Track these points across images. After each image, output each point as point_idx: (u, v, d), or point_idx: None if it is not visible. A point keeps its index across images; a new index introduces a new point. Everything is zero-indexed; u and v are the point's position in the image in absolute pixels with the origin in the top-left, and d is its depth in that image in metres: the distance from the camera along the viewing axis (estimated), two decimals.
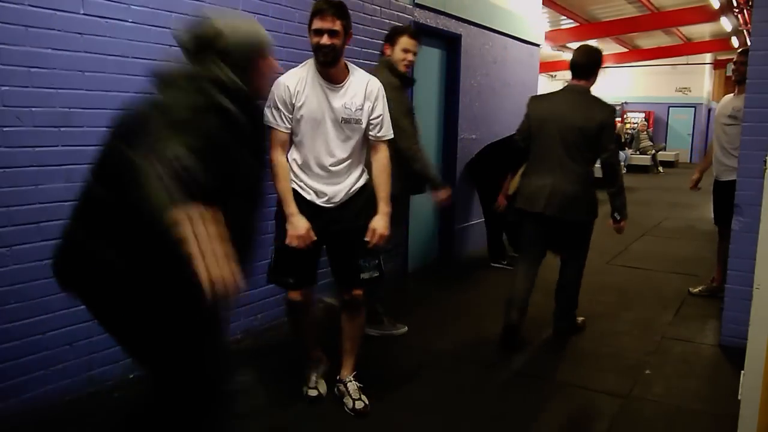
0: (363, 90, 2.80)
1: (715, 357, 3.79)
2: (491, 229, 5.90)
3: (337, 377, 3.10)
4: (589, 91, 3.73)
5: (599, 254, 6.44)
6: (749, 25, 7.49)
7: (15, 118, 2.60)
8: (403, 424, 2.91)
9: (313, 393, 3.05)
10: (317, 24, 2.65)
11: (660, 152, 18.16)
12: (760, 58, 3.62)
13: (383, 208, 2.84)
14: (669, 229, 8.25)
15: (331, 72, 2.73)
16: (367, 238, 2.81)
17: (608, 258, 6.34)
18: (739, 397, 2.37)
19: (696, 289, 5.07)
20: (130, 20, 2.99)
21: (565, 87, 3.87)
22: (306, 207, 2.78)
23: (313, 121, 2.73)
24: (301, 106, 2.71)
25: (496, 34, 6.35)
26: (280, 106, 2.71)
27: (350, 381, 3.05)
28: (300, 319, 3.05)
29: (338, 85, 2.75)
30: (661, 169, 17.34)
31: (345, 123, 2.76)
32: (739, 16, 13.09)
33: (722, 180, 4.51)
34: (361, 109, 2.78)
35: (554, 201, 3.61)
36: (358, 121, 2.78)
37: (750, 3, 10.65)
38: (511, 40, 6.68)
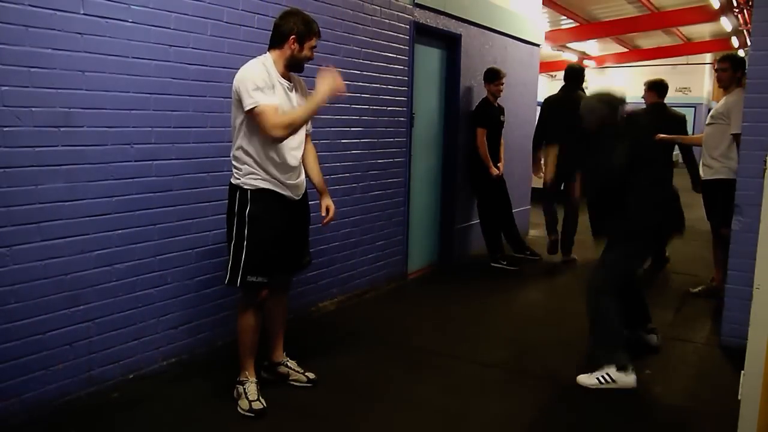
0: (303, 88, 3.03)
1: (715, 357, 3.79)
2: (487, 229, 5.91)
3: (273, 362, 3.22)
4: (665, 105, 5.73)
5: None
6: (749, 25, 7.49)
7: (15, 118, 2.59)
8: (402, 425, 2.91)
9: (258, 406, 2.90)
10: (314, 42, 2.93)
11: None
12: (760, 58, 3.62)
13: (326, 189, 3.18)
14: None
15: (290, 73, 2.94)
16: (323, 214, 3.11)
17: None
18: (739, 397, 2.37)
19: (696, 289, 5.07)
20: (130, 20, 2.99)
21: (649, 105, 5.73)
22: (281, 204, 2.90)
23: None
24: (275, 98, 2.79)
25: (496, 34, 6.35)
26: (266, 86, 2.74)
27: (288, 360, 3.25)
28: (258, 323, 3.00)
29: (291, 84, 2.93)
30: None
31: None
32: (739, 16, 13.09)
33: (705, 179, 4.73)
34: None
35: None
36: None
37: (750, 3, 10.65)
38: (511, 40, 6.68)
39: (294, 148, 2.92)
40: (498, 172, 5.82)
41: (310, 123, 3.06)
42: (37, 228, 2.72)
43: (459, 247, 6.04)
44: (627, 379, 3.25)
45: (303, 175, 3.03)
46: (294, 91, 2.92)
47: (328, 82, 2.82)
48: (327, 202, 3.14)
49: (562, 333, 4.13)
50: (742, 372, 2.36)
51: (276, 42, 2.87)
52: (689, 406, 3.14)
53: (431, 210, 5.80)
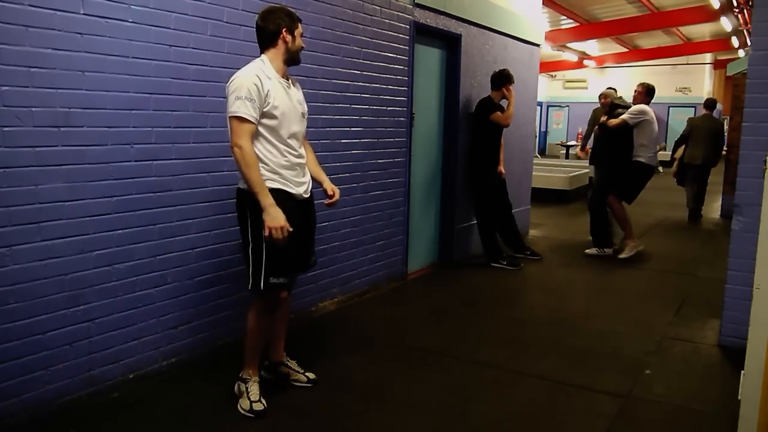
0: (299, 88, 3.05)
1: (715, 357, 3.79)
2: (483, 230, 5.92)
3: (274, 362, 3.22)
4: (711, 116, 8.83)
5: (599, 254, 6.44)
6: (749, 25, 7.50)
7: (15, 118, 2.59)
8: (402, 425, 2.91)
9: (260, 407, 2.89)
10: (301, 28, 2.95)
11: (660, 152, 18.15)
12: (760, 58, 3.62)
13: (327, 178, 3.17)
14: (669, 228, 8.25)
15: (286, 71, 2.95)
16: (330, 194, 3.10)
17: (608, 258, 6.34)
18: (739, 397, 2.37)
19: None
20: (130, 20, 2.99)
21: (702, 115, 8.88)
22: (292, 203, 2.89)
23: (288, 115, 2.87)
24: (274, 103, 2.79)
25: (496, 34, 6.35)
26: (255, 98, 2.72)
27: (288, 360, 3.26)
28: (269, 326, 3.01)
29: (288, 82, 2.94)
30: (660, 169, 17.31)
31: (303, 117, 3.00)
32: (739, 16, 13.09)
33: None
34: (305, 104, 3.04)
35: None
36: (305, 114, 3.03)
37: (750, 3, 10.65)
38: (511, 40, 6.68)
39: (298, 147, 2.95)
40: (503, 173, 5.98)
41: (305, 126, 3.04)
42: (37, 228, 2.72)
43: (459, 247, 6.04)
44: (607, 251, 6.38)
45: (309, 174, 3.05)
46: (291, 88, 2.93)
47: (273, 222, 2.72)
48: (330, 185, 3.13)
49: (562, 333, 4.13)
50: (742, 372, 2.36)
51: (268, 42, 2.88)
52: (689, 406, 3.14)
53: (431, 210, 5.80)
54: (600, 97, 7.05)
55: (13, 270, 2.65)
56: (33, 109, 2.65)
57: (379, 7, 4.64)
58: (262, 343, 3.02)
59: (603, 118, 6.45)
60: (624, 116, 6.11)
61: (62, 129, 2.76)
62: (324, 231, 4.30)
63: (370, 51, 4.59)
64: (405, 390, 3.24)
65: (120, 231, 3.05)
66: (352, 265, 4.66)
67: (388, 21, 4.75)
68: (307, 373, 3.22)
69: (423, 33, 5.24)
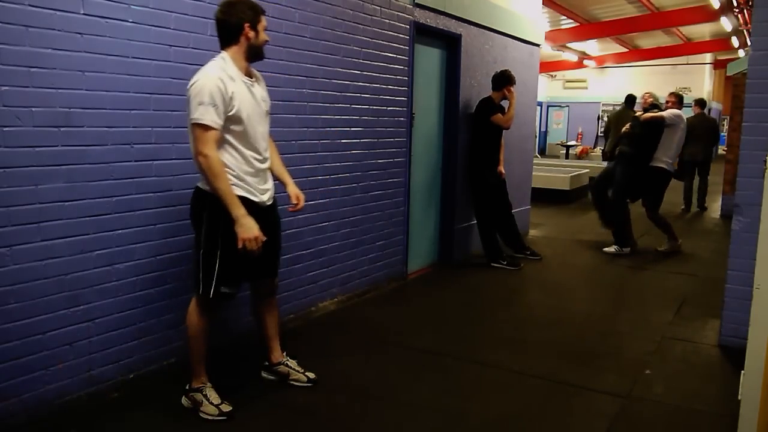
0: (264, 83, 2.95)
1: (715, 357, 3.79)
2: (483, 230, 5.92)
3: (273, 362, 3.22)
4: (705, 114, 9.56)
5: (599, 254, 6.45)
6: (749, 25, 7.51)
7: (15, 118, 2.59)
8: (402, 425, 2.91)
9: (227, 408, 2.88)
10: (265, 21, 2.81)
11: None
12: (760, 58, 3.62)
13: (290, 178, 3.09)
14: None
15: (250, 68, 2.84)
16: (294, 202, 3.03)
17: (608, 258, 6.34)
18: (739, 397, 2.37)
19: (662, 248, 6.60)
20: (130, 20, 2.99)
21: (696, 114, 9.34)
22: (255, 211, 2.76)
23: (252, 117, 2.77)
24: (238, 105, 2.68)
25: (496, 34, 6.35)
26: (218, 103, 2.60)
27: (288, 359, 3.24)
28: (210, 328, 2.94)
29: (252, 79, 2.84)
30: None
31: (267, 115, 2.91)
32: (739, 16, 13.10)
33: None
34: (268, 100, 2.95)
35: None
36: (269, 112, 2.93)
37: (750, 3, 10.66)
38: (511, 40, 6.68)
39: (264, 150, 2.87)
40: (503, 173, 5.97)
41: (269, 124, 2.96)
42: (37, 228, 2.72)
43: (459, 247, 6.04)
44: (625, 250, 6.43)
45: (271, 180, 2.97)
46: (255, 85, 2.83)
47: (247, 233, 2.65)
48: (294, 190, 3.05)
49: (562, 333, 4.13)
50: (742, 372, 2.37)
51: (229, 38, 2.75)
52: (689, 406, 3.14)
53: (431, 210, 5.80)
54: (645, 94, 7.10)
55: (13, 270, 2.65)
56: (33, 109, 2.65)
57: (379, 7, 4.64)
58: (205, 347, 2.92)
59: (638, 112, 6.63)
60: (663, 113, 6.26)
61: (62, 129, 2.76)
62: (324, 231, 4.30)
63: (370, 51, 4.59)
64: (405, 390, 3.24)
65: (120, 231, 3.05)
66: (352, 265, 4.66)
67: (388, 21, 4.75)
68: (307, 373, 3.22)
69: (423, 33, 5.24)
